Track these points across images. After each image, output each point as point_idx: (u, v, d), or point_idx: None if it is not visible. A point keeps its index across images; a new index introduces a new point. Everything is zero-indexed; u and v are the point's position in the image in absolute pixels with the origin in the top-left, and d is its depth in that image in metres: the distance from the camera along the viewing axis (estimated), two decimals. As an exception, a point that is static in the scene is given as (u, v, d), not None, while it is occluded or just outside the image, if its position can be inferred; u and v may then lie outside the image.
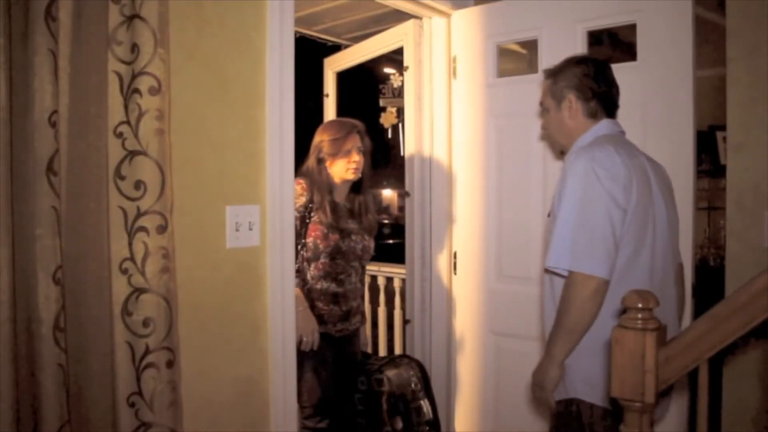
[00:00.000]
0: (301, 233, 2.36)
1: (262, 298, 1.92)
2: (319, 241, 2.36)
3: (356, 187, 2.52)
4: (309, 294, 2.37)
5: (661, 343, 1.09)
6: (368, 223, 2.53)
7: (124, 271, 1.44)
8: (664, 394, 1.27)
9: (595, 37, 2.34)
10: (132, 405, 1.44)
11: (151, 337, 1.46)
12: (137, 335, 1.45)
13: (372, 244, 2.58)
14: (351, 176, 2.44)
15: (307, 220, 2.38)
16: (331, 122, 2.61)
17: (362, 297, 2.62)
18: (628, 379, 1.08)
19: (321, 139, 2.46)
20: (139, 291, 1.45)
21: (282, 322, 1.94)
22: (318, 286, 2.36)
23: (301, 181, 2.40)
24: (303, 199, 2.37)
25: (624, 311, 1.10)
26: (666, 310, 1.61)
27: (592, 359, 1.57)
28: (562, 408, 1.64)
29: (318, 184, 2.42)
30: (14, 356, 1.29)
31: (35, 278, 1.32)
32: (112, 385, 1.44)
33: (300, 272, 2.36)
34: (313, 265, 2.37)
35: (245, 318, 1.88)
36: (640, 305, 1.07)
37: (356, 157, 2.42)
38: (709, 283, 2.23)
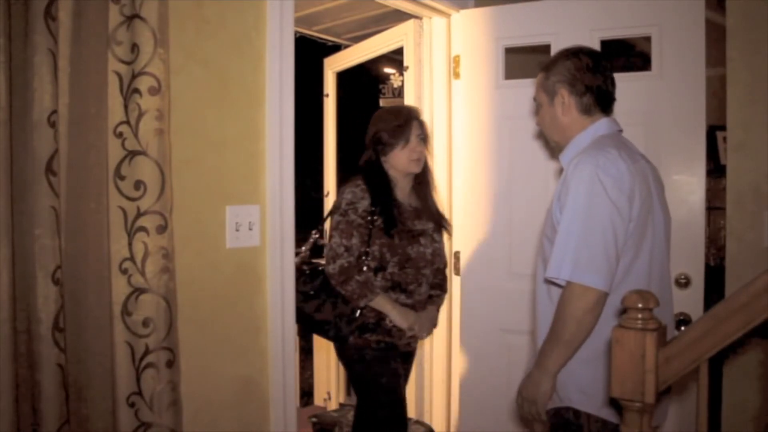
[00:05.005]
0: (366, 241, 2.11)
1: (262, 298, 1.92)
2: (385, 249, 2.12)
3: (419, 182, 2.28)
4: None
5: (661, 343, 1.08)
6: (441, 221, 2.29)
7: (124, 271, 1.44)
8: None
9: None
10: (132, 405, 1.44)
11: (151, 337, 1.46)
12: (137, 335, 1.45)
13: (444, 246, 2.33)
14: (414, 168, 2.20)
15: (371, 226, 2.12)
16: (386, 110, 2.38)
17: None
18: (628, 379, 1.08)
19: (377, 129, 2.21)
20: (138, 291, 1.45)
21: (282, 322, 1.94)
22: None
23: (360, 182, 2.17)
24: (365, 203, 2.12)
25: (624, 311, 1.10)
26: (663, 314, 1.59)
27: (586, 368, 1.54)
28: (556, 416, 1.61)
29: (377, 182, 2.16)
30: (14, 356, 1.29)
31: (34, 278, 1.32)
32: (112, 385, 1.44)
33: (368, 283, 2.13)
34: (380, 275, 2.14)
35: (245, 318, 1.88)
36: (640, 305, 1.07)
37: (419, 147, 2.19)
38: (709, 283, 2.23)
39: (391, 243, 2.12)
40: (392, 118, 2.21)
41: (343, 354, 2.25)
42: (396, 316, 2.13)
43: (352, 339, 2.16)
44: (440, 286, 2.36)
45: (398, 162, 2.19)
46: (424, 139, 2.22)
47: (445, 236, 2.41)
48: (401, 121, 2.19)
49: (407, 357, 2.32)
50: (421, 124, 2.23)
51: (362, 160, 2.22)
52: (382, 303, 2.13)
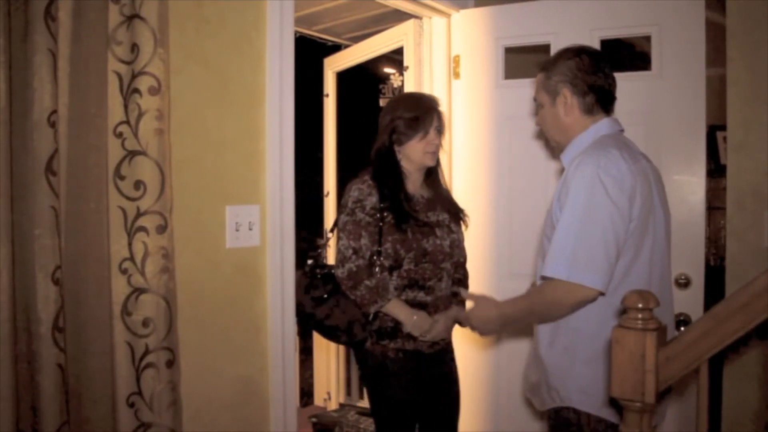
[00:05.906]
0: (377, 240, 1.98)
1: (262, 298, 1.92)
2: (398, 246, 1.98)
3: (429, 173, 2.16)
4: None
5: (662, 343, 1.08)
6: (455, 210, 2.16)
7: (124, 271, 1.44)
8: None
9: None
10: (132, 405, 1.44)
11: (151, 337, 1.46)
12: (137, 335, 1.45)
13: (462, 238, 2.18)
14: (429, 161, 2.07)
15: (381, 223, 1.99)
16: (405, 97, 2.26)
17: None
18: (628, 379, 1.08)
19: (393, 116, 2.07)
20: (138, 291, 1.45)
21: (282, 322, 1.94)
22: (403, 298, 2.00)
23: (367, 177, 2.04)
24: (373, 199, 2.00)
25: (624, 311, 1.10)
26: (663, 315, 1.59)
27: (586, 368, 1.55)
28: (556, 416, 1.61)
29: (387, 174, 2.04)
30: (14, 356, 1.29)
31: (34, 278, 1.32)
32: (112, 385, 1.44)
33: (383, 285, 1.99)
34: (395, 274, 1.99)
35: (245, 318, 1.88)
36: (640, 305, 1.07)
37: (436, 139, 2.06)
38: (709, 283, 2.23)
39: (405, 238, 1.98)
40: (412, 106, 2.07)
41: (358, 359, 2.13)
42: (408, 322, 1.98)
43: (369, 345, 2.02)
44: (462, 283, 2.19)
45: (413, 154, 2.06)
46: (441, 131, 2.09)
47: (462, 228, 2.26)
48: (422, 111, 2.05)
49: (438, 359, 2.10)
50: (440, 115, 2.10)
51: (374, 149, 2.10)
52: (393, 309, 1.98)
